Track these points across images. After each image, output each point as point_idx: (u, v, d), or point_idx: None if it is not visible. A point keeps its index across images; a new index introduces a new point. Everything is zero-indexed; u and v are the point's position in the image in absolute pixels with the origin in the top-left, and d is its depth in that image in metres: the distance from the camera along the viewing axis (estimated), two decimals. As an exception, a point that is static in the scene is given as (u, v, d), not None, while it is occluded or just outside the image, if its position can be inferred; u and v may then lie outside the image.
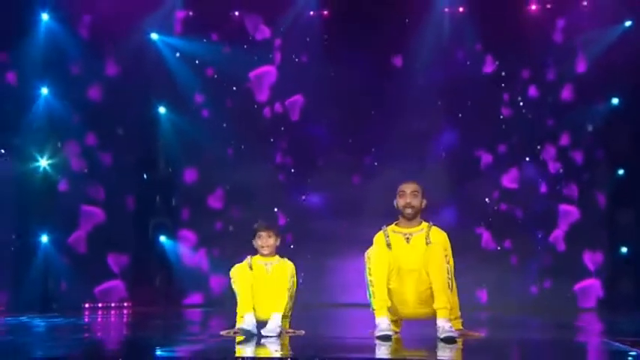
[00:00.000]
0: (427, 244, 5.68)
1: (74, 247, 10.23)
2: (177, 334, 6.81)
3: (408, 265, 5.60)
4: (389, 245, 5.67)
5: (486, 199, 11.08)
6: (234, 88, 11.41)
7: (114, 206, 10.61)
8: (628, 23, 10.57)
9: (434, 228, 5.82)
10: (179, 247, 11.20)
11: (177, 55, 11.21)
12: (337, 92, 10.88)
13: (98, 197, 10.50)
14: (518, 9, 11.01)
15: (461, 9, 11.05)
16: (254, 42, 11.31)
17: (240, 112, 11.27)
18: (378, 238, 5.77)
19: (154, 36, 11.13)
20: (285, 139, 11.41)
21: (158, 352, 5.00)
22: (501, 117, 11.14)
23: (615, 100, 10.77)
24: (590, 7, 10.76)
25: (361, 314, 6.53)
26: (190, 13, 11.23)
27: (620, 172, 10.78)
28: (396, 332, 5.75)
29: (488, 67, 11.16)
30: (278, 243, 6.08)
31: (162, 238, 11.23)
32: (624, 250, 10.71)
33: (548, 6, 11.04)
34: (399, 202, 5.84)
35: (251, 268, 5.95)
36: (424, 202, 5.88)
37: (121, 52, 10.52)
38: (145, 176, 11.29)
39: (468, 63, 11.13)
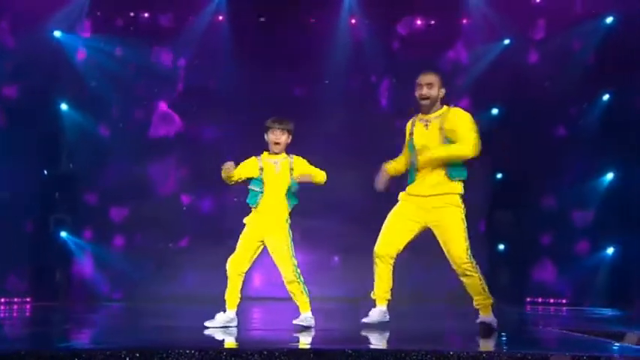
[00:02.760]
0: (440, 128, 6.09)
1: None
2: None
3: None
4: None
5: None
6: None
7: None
8: (506, 41, 11.35)
9: (453, 109, 6.15)
10: (80, 253, 11.29)
11: (84, 57, 11.29)
12: (240, 118, 11.01)
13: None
14: (409, 40, 11.54)
15: (357, 40, 11.49)
16: (157, 63, 11.48)
17: (143, 129, 11.49)
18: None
19: (57, 33, 11.07)
20: (187, 154, 11.58)
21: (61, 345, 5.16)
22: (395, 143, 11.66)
23: (495, 111, 11.46)
24: (472, 27, 11.41)
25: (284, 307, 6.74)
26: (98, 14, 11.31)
27: (499, 175, 11.53)
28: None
29: (383, 99, 11.65)
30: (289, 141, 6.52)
31: (64, 234, 11.27)
32: (501, 247, 11.49)
33: (432, 25, 11.61)
34: (416, 93, 6.21)
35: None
36: (442, 91, 6.23)
37: (25, 53, 10.43)
38: (45, 172, 11.22)
39: (365, 91, 11.61)
